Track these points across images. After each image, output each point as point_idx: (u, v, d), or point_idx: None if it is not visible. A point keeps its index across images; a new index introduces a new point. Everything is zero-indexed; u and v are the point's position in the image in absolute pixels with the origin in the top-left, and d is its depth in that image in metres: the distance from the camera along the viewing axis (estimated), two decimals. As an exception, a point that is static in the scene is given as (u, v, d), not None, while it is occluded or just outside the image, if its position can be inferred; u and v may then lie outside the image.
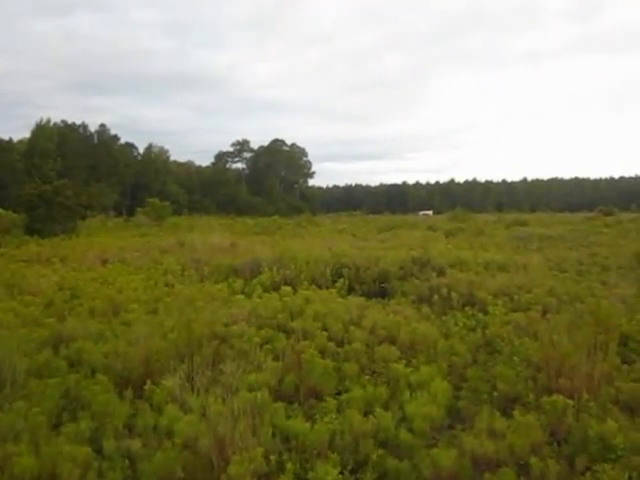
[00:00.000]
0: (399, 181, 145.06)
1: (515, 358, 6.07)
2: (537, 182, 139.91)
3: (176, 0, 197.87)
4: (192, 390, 4.99)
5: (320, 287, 10.42)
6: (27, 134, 68.82)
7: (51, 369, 5.87)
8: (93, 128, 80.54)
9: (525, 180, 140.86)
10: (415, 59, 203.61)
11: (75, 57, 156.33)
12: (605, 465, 3.90)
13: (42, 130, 68.24)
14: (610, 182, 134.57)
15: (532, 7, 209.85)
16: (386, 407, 4.93)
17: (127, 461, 4.17)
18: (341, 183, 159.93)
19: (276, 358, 6.04)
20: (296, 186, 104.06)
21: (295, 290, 9.58)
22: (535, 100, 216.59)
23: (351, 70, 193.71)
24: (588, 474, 3.91)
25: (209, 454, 4.04)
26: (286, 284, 10.18)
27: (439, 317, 8.20)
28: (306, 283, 10.53)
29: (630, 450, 4.11)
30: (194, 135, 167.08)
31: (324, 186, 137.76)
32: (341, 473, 3.93)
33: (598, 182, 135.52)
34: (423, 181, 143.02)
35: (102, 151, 76.92)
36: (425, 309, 8.58)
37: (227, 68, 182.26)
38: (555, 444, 4.38)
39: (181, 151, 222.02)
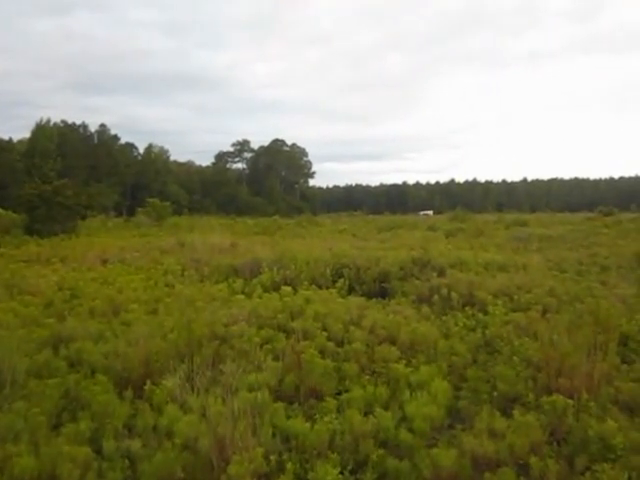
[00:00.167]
0: (399, 181, 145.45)
1: (515, 358, 6.07)
2: (537, 182, 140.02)
3: (176, 0, 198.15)
4: (192, 390, 4.98)
5: (320, 287, 10.42)
6: (27, 134, 69.02)
7: (51, 369, 5.87)
8: (93, 128, 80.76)
9: (525, 180, 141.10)
10: (415, 59, 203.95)
11: (75, 57, 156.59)
12: (605, 465, 3.90)
13: (42, 130, 68.27)
14: (610, 182, 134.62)
15: (532, 7, 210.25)
16: (386, 407, 4.93)
17: (127, 461, 4.17)
18: (341, 183, 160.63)
19: (276, 358, 6.04)
20: (296, 186, 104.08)
21: (295, 290, 9.58)
22: (535, 100, 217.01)
23: (351, 70, 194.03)
24: (588, 474, 3.91)
25: (209, 454, 4.04)
26: (286, 284, 10.17)
27: (439, 317, 8.20)
28: (306, 283, 10.53)
29: (630, 450, 4.12)
30: (194, 135, 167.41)
31: (324, 186, 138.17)
32: (341, 473, 3.93)
33: (598, 182, 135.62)
34: (423, 181, 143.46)
35: (102, 151, 76.92)
36: (425, 309, 8.58)
37: (227, 68, 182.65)
38: (555, 444, 4.38)
39: (181, 151, 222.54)
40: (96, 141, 79.85)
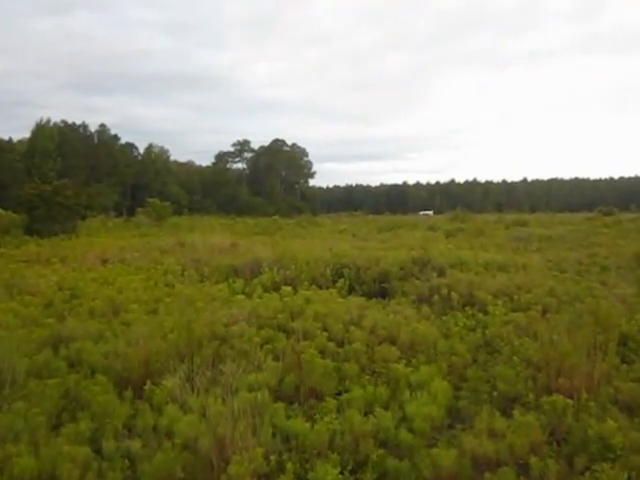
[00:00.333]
0: (399, 181, 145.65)
1: (515, 358, 6.07)
2: (537, 182, 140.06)
3: (176, 0, 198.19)
4: (192, 390, 4.98)
5: (320, 287, 10.42)
6: (27, 134, 69.06)
7: (51, 369, 5.87)
8: (93, 128, 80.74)
9: (525, 180, 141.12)
10: (415, 59, 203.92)
11: (75, 57, 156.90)
12: (604, 465, 3.90)
13: (42, 130, 68.28)
14: (610, 182, 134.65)
15: (532, 7, 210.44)
16: (386, 407, 4.93)
17: (127, 461, 4.17)
18: (342, 183, 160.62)
19: (276, 358, 6.04)
20: (297, 186, 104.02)
21: (295, 290, 9.58)
22: (535, 100, 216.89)
23: (351, 70, 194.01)
24: (587, 474, 3.91)
25: (209, 454, 4.04)
26: (286, 284, 10.17)
27: (439, 317, 8.21)
28: (306, 283, 10.54)
29: (629, 450, 4.12)
30: (194, 135, 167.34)
31: (325, 186, 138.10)
32: (341, 473, 3.94)
33: (598, 182, 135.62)
34: (423, 181, 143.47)
35: (102, 151, 76.91)
36: (425, 309, 8.58)
37: (227, 68, 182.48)
38: (555, 444, 4.38)
39: (181, 151, 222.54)
40: (96, 141, 79.84)
